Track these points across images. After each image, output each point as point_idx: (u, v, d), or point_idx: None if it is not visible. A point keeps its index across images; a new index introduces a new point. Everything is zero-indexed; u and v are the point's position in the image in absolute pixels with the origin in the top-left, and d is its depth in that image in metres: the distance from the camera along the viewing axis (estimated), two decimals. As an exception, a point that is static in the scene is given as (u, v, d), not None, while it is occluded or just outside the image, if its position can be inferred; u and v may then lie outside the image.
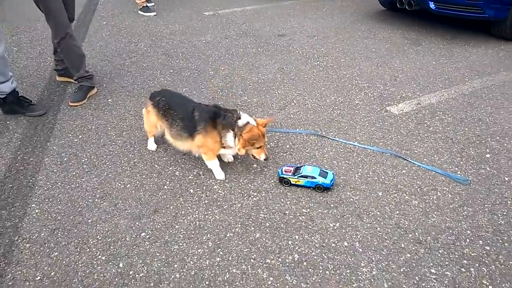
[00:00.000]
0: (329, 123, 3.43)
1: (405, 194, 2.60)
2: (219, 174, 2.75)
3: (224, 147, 2.64)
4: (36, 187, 2.68)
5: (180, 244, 2.26)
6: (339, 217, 2.42)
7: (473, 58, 4.73)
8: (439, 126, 3.36)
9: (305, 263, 2.12)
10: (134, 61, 4.72)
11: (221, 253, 2.20)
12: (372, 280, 2.03)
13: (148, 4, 6.52)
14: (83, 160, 2.97)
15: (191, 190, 2.67)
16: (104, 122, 3.47)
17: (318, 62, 4.68)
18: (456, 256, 2.16)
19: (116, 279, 2.05)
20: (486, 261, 2.12)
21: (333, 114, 3.58)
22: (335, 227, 2.36)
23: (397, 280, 2.02)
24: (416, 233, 2.31)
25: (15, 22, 6.02)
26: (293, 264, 2.12)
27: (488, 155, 2.98)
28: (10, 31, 5.61)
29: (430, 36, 5.46)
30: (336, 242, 2.25)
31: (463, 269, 2.08)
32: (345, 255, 2.17)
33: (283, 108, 3.69)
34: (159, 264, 2.13)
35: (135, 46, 5.22)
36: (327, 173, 2.63)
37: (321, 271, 2.08)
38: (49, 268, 2.10)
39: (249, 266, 2.12)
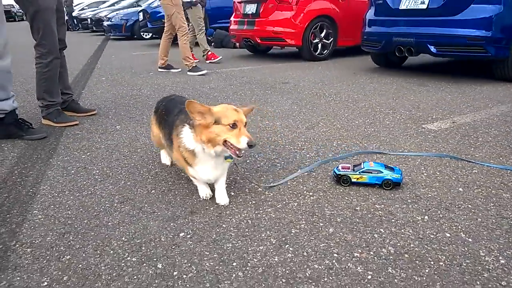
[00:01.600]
0: (367, 138, 3.09)
1: (490, 189, 2.20)
2: (202, 191, 2.11)
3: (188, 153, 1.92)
4: (38, 196, 2.15)
5: (234, 242, 1.73)
6: (424, 211, 1.97)
7: (487, 92, 4.66)
8: (487, 137, 3.07)
9: (406, 255, 1.62)
10: (139, 101, 4.40)
11: (291, 249, 1.67)
12: (505, 268, 1.53)
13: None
14: (94, 172, 2.47)
15: (232, 193, 2.18)
16: (115, 143, 3.02)
17: (331, 98, 4.49)
18: None
19: (156, 281, 1.47)
20: None
21: (368, 131, 3.26)
22: (425, 220, 1.89)
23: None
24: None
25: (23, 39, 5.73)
26: (391, 257, 1.61)
27: (556, 156, 2.66)
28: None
29: (432, 80, 5.46)
30: (435, 233, 1.77)
31: None
32: (454, 245, 1.68)
33: (311, 128, 3.36)
34: (212, 263, 1.58)
35: (138, 91, 4.95)
36: (393, 168, 2.22)
37: (432, 262, 1.57)
38: (59, 273, 1.51)
39: (334, 261, 1.58)
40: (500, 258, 1.59)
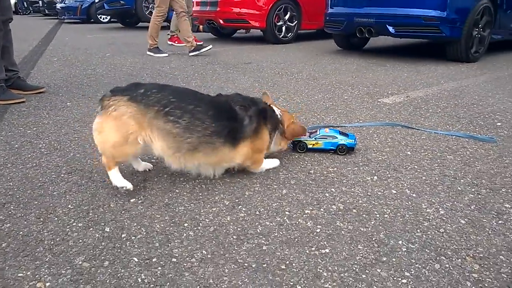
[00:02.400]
0: (325, 111, 3.14)
1: (435, 152, 2.29)
2: (275, 161, 2.08)
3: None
4: (-25, 168, 2.01)
5: (187, 205, 1.71)
6: (374, 172, 2.02)
7: (440, 71, 4.84)
8: (437, 109, 3.19)
9: (354, 210, 1.66)
10: (93, 80, 4.24)
11: (243, 209, 1.67)
12: (444, 218, 1.60)
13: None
14: (40, 146, 2.36)
15: (187, 162, 2.14)
16: (64, 118, 2.90)
17: (293, 76, 4.51)
18: (525, 193, 1.80)
19: (103, 243, 1.43)
20: (560, 194, 1.79)
21: (326, 105, 3.30)
22: (374, 179, 1.94)
23: (472, 216, 1.61)
24: (468, 178, 1.95)
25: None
26: (340, 212, 1.64)
27: (499, 124, 2.81)
28: None
29: (391, 60, 5.59)
30: (382, 191, 1.83)
31: (540, 202, 1.72)
32: (399, 200, 1.74)
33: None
34: (162, 225, 1.55)
35: (92, 71, 4.76)
36: (347, 134, 2.26)
37: (378, 215, 1.62)
38: (-3, 239, 1.43)
39: (285, 218, 1.60)
40: (440, 209, 1.66)
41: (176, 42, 7.20)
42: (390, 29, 5.43)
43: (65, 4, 13.62)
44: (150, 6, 10.41)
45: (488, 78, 4.40)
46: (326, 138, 2.20)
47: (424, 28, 5.20)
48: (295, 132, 2.04)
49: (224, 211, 1.66)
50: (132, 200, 1.74)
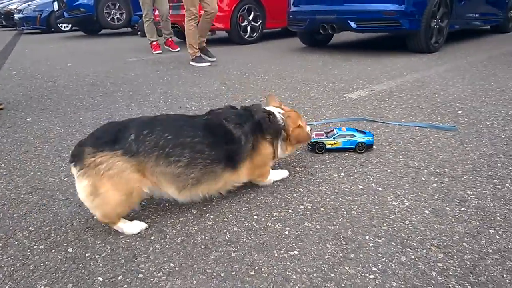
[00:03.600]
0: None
1: (400, 144, 2.33)
2: (284, 173, 1.98)
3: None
4: None
5: (153, 217, 1.67)
6: (341, 168, 2.04)
7: (403, 63, 4.95)
8: (400, 101, 3.26)
9: (322, 209, 1.67)
10: (54, 92, 4.11)
11: (211, 217, 1.65)
12: (409, 209, 1.63)
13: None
14: (-2, 165, 2.26)
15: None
16: (24, 135, 2.79)
17: (259, 77, 4.51)
18: (485, 178, 1.87)
19: (66, 265, 1.38)
20: (517, 177, 1.86)
21: (292, 103, 3.32)
22: (341, 176, 1.96)
23: (436, 205, 1.65)
24: (431, 168, 2.00)
25: None
26: (308, 212, 1.65)
27: (459, 112, 2.89)
28: None
29: (355, 55, 5.69)
30: (349, 187, 1.84)
31: (498, 186, 1.79)
32: (366, 195, 1.76)
33: (238, 105, 3.33)
34: (128, 240, 1.51)
35: (53, 83, 4.62)
36: (364, 131, 2.26)
37: (345, 212, 1.63)
38: (-49, 269, 1.36)
39: (253, 222, 1.59)
40: (405, 201, 1.70)
41: (155, 50, 6.69)
42: (352, 24, 5.51)
43: (23, 14, 13.11)
44: (112, 12, 10.20)
45: (448, 68, 4.53)
46: (345, 137, 2.20)
47: (385, 22, 5.31)
48: (299, 138, 1.86)
49: (192, 220, 1.63)
50: (96, 217, 1.69)
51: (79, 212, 1.73)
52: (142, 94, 3.83)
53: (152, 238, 1.53)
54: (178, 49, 6.78)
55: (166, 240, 1.51)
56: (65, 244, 1.52)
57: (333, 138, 2.19)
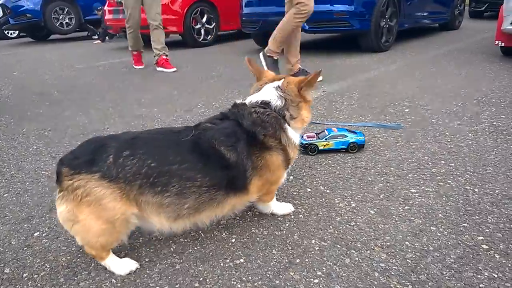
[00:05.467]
0: (245, 113, 3.12)
1: (349, 144, 2.36)
2: (287, 206, 1.68)
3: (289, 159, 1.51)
4: None
5: (95, 233, 1.58)
6: (290, 171, 2.05)
7: (355, 63, 5.07)
8: (351, 100, 3.32)
9: (270, 215, 1.66)
10: (-4, 102, 3.87)
11: (157, 229, 1.59)
12: (355, 210, 1.65)
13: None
14: None
15: (98, 184, 2.01)
16: (-42, 150, 2.60)
17: (213, 80, 4.47)
18: (428, 176, 1.93)
19: (2, 287, 1.29)
20: (458, 173, 1.93)
21: (246, 107, 3.29)
22: (290, 179, 1.97)
23: (381, 205, 1.68)
24: (378, 167, 2.04)
25: None
26: (256, 218, 1.66)
27: (407, 110, 2.99)
28: None
29: (309, 56, 5.75)
30: (297, 191, 1.85)
31: (441, 183, 1.85)
32: (313, 198, 1.77)
33: (189, 110, 3.29)
34: (69, 258, 1.44)
35: (-5, 93, 4.35)
36: (355, 131, 2.26)
37: (292, 216, 1.64)
38: None
39: (200, 231, 1.56)
40: (352, 202, 1.72)
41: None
42: (304, 25, 5.57)
43: (-36, 21, 12.32)
44: (60, 17, 9.80)
45: (398, 66, 4.68)
46: (336, 138, 2.19)
47: (335, 23, 5.42)
48: (308, 79, 1.47)
49: (137, 233, 1.57)
50: (36, 234, 1.60)
51: (18, 230, 1.63)
52: (91, 102, 3.69)
53: (94, 253, 1.45)
54: (175, 69, 5.12)
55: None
56: (2, 265, 1.42)
57: (325, 139, 2.20)
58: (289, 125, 1.46)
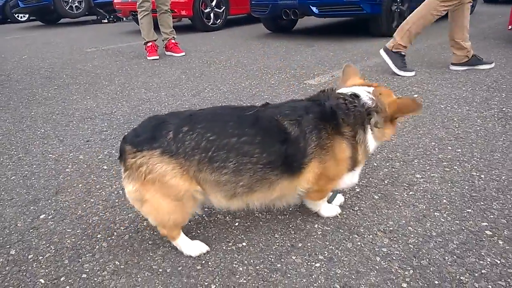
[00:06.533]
0: (251, 98, 3.12)
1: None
2: (334, 209, 1.56)
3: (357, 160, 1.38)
4: None
5: (101, 214, 1.62)
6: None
7: (365, 47, 4.99)
8: (359, 86, 3.28)
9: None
10: (7, 87, 3.92)
11: (161, 212, 1.60)
12: (359, 196, 1.66)
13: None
14: None
15: (105, 167, 2.04)
16: (-31, 133, 2.64)
17: (221, 64, 4.45)
18: (434, 161, 1.94)
19: (7, 268, 1.33)
20: (464, 159, 1.91)
21: (252, 92, 3.29)
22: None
23: (385, 190, 1.68)
24: (384, 153, 2.04)
25: None
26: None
27: (415, 95, 2.96)
28: None
29: (319, 41, 5.69)
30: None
31: (447, 169, 1.84)
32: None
33: (197, 94, 3.29)
34: (73, 240, 1.47)
35: (6, 77, 4.40)
36: None
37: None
38: None
39: (203, 215, 1.58)
40: (356, 187, 1.71)
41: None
42: (314, 9, 5.51)
43: (-25, 5, 12.39)
44: (70, 0, 9.78)
45: (408, 51, 4.58)
46: None
47: (346, 7, 5.33)
48: (403, 108, 1.36)
49: (141, 216, 1.59)
50: (42, 217, 1.63)
51: (24, 213, 1.66)
52: (99, 86, 3.71)
53: (99, 236, 1.48)
54: (183, 53, 5.08)
55: (113, 237, 1.47)
56: (8, 246, 1.46)
57: None
58: (371, 130, 1.35)
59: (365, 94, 1.35)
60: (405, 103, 1.36)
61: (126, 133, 1.30)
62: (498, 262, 1.24)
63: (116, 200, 1.72)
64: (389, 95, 1.39)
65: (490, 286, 1.16)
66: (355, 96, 1.34)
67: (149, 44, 4.97)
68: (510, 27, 4.50)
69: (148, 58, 4.94)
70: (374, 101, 1.34)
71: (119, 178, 1.89)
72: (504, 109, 2.55)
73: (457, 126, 2.33)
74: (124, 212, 1.62)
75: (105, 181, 1.89)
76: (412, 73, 3.53)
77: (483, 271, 1.21)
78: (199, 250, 1.36)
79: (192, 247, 1.36)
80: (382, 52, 3.61)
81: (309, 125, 1.26)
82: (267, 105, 1.36)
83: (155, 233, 1.48)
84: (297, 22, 6.96)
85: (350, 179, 1.40)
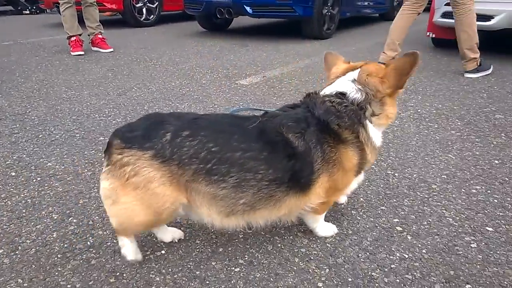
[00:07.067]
0: (180, 98, 3.05)
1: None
2: (331, 228, 1.46)
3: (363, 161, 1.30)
4: None
5: (5, 227, 1.48)
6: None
7: (297, 49, 5.11)
8: (289, 86, 3.35)
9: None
10: None
11: (74, 221, 1.52)
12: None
13: None
14: None
15: (13, 173, 1.87)
16: None
17: (152, 62, 4.31)
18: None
19: None
20: (381, 158, 2.01)
21: (182, 91, 3.22)
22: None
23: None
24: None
25: None
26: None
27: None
28: None
29: (253, 40, 5.73)
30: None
31: (364, 168, 1.90)
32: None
33: (123, 94, 3.15)
34: None
35: None
36: None
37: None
38: None
39: (121, 223, 1.48)
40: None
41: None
42: (248, 9, 5.54)
43: None
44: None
45: (338, 54, 4.77)
46: None
47: (279, 8, 5.43)
48: (402, 69, 1.23)
49: (51, 227, 1.48)
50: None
51: None
52: (14, 83, 3.41)
53: (0, 251, 1.35)
54: (111, 49, 4.85)
55: (17, 252, 1.35)
56: None
57: None
58: (371, 122, 1.26)
59: (351, 88, 1.25)
60: (399, 65, 1.23)
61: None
62: (406, 256, 1.32)
63: (24, 211, 1.58)
64: (377, 71, 1.27)
65: (398, 280, 1.22)
66: (342, 94, 1.25)
67: (72, 38, 4.65)
68: (428, 33, 4.84)
69: (72, 53, 4.63)
70: (362, 92, 1.24)
71: (28, 186, 1.75)
72: (419, 110, 2.73)
73: (388, 130, 2.44)
74: (32, 224, 1.49)
75: (12, 189, 1.73)
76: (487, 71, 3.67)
77: (392, 266, 1.27)
78: (136, 258, 1.27)
79: (131, 252, 1.25)
80: (468, 75, 3.64)
81: (312, 138, 1.20)
82: (267, 114, 1.27)
83: (65, 245, 1.38)
84: (232, 21, 6.95)
85: (356, 181, 1.37)
